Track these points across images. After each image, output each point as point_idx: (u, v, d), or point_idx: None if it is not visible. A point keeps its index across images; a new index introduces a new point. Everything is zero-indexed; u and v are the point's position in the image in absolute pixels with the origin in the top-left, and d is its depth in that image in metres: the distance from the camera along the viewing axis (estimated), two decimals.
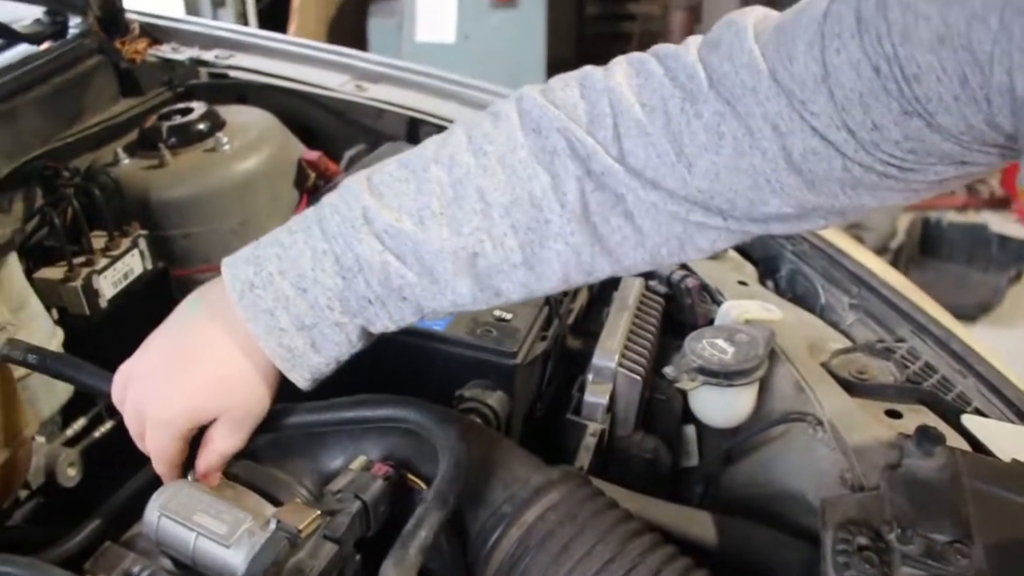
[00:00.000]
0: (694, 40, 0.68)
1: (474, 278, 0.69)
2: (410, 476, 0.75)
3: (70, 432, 1.12)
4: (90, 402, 1.15)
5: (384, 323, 0.71)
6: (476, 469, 0.75)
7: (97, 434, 1.16)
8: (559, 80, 0.71)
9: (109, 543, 0.71)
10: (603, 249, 0.69)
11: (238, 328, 0.70)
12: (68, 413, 1.12)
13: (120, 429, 1.11)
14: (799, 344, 1.03)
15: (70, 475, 1.04)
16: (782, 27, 0.63)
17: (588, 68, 0.71)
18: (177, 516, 0.67)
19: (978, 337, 1.13)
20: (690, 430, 1.19)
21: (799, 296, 1.20)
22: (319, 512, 0.66)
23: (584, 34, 4.70)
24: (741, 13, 0.67)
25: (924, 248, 3.59)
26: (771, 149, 0.63)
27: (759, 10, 0.67)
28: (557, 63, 3.88)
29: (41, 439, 1.04)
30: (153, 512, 0.68)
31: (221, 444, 0.72)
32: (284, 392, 0.75)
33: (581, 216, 0.67)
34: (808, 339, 1.05)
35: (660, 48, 0.69)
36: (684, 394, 1.08)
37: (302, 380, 0.71)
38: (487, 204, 0.67)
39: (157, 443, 0.73)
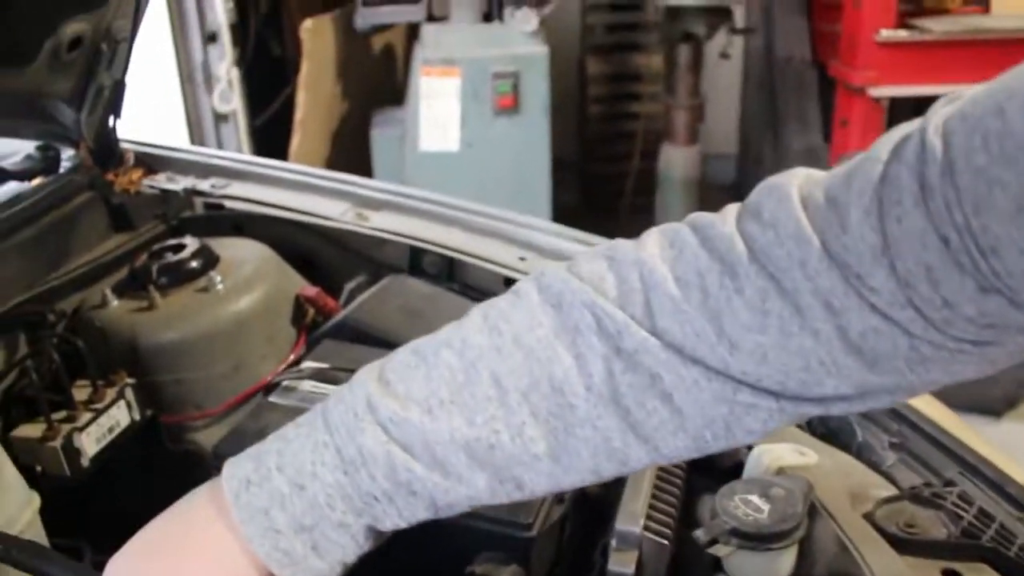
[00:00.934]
0: (732, 208, 0.61)
1: (492, 471, 0.61)
2: None
3: None
4: (77, 557, 1.06)
5: (394, 521, 0.63)
6: None
7: None
8: (585, 254, 0.65)
9: None
10: (637, 436, 0.61)
11: (235, 529, 0.63)
12: None
13: None
14: (839, 493, 0.94)
15: None
16: (832, 192, 0.56)
17: (618, 240, 0.65)
18: None
19: (1006, 434, 1.04)
20: None
21: (832, 432, 1.11)
22: None
23: (587, 135, 4.72)
24: (784, 177, 0.60)
25: None
26: (824, 329, 0.56)
27: (802, 172, 0.60)
28: (561, 165, 3.88)
29: None
30: None
31: None
32: None
33: (610, 399, 0.60)
34: (848, 487, 0.97)
35: (696, 217, 0.63)
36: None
37: None
38: (502, 390, 0.60)
39: None
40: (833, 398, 0.59)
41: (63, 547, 1.01)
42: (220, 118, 3.41)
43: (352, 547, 0.63)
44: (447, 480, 0.61)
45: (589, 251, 0.65)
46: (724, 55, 3.97)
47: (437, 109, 3.29)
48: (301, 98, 3.35)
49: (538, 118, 3.35)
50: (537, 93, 3.32)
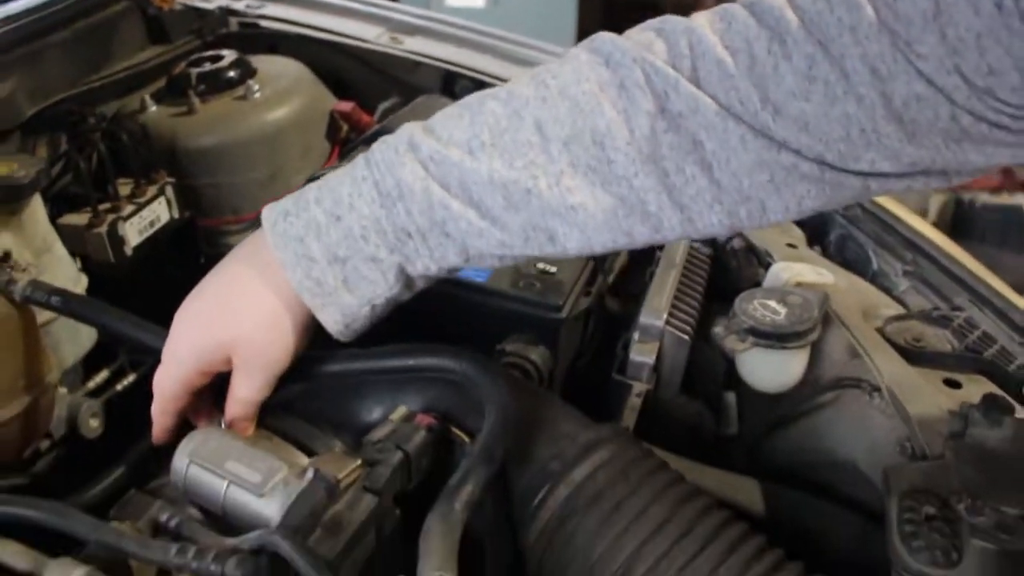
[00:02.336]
0: None
1: (526, 217, 0.63)
2: (454, 429, 0.71)
3: (92, 385, 1.09)
4: (113, 354, 1.12)
5: (424, 262, 0.66)
6: (522, 425, 0.71)
7: (119, 387, 1.12)
8: (635, 28, 0.66)
9: (134, 491, 0.68)
10: (673, 202, 0.63)
11: (270, 264, 0.66)
12: (90, 365, 1.09)
13: (143, 383, 1.09)
14: (852, 308, 0.98)
15: (92, 426, 1.00)
16: None
17: (666, 16, 0.65)
18: (207, 464, 0.63)
19: None
20: (731, 397, 1.14)
21: (849, 261, 1.15)
22: (359, 462, 0.63)
23: (614, 3, 4.61)
24: None
25: (956, 229, 3.51)
26: (869, 95, 0.57)
27: None
28: (586, 33, 3.80)
29: (63, 390, 1.01)
30: (182, 459, 0.64)
31: (240, 391, 0.68)
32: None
33: (649, 157, 0.61)
34: (861, 305, 1.01)
35: None
36: (726, 359, 1.04)
37: (333, 323, 0.67)
38: (544, 137, 0.62)
39: (158, 380, 0.69)
40: (870, 173, 0.61)
41: (99, 342, 1.07)
42: None
43: (382, 285, 0.66)
44: (482, 220, 0.63)
45: (638, 25, 0.67)
46: None
47: None
48: None
49: None
50: None
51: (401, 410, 0.70)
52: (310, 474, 0.60)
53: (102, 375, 1.10)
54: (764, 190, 0.62)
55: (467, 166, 0.62)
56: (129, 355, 1.11)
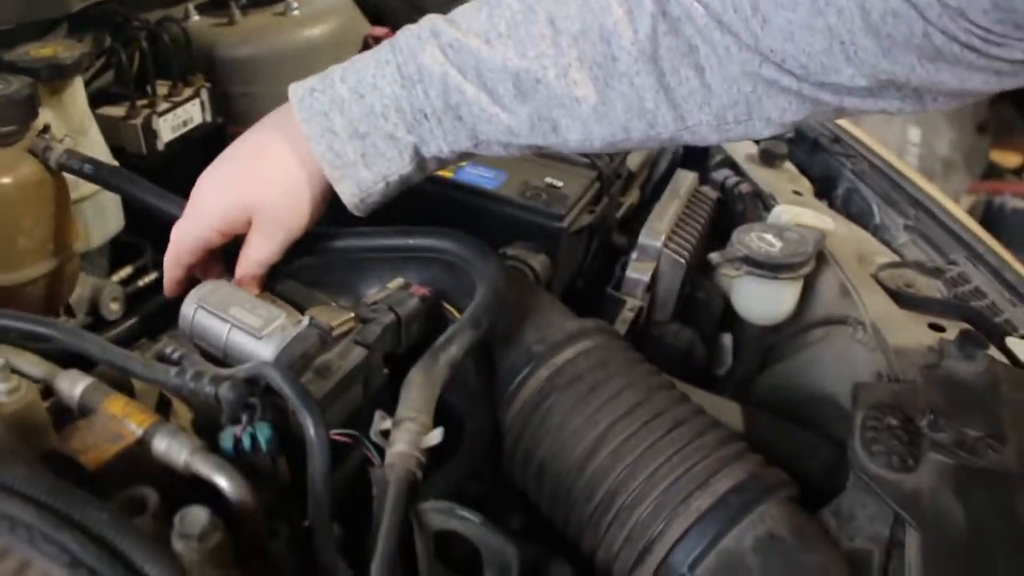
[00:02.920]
0: None
1: (534, 105, 0.68)
2: (446, 305, 0.75)
3: (115, 278, 1.14)
4: (138, 253, 1.17)
5: (438, 144, 0.70)
6: (511, 310, 0.75)
7: (142, 283, 1.17)
8: None
9: (144, 339, 0.73)
10: (668, 100, 0.67)
11: (296, 135, 0.71)
12: (114, 263, 1.14)
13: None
14: (848, 252, 1.01)
15: (113, 309, 1.05)
16: None
17: None
18: (213, 309, 0.68)
19: None
20: (727, 338, 1.18)
21: (853, 215, 1.18)
22: (352, 315, 0.67)
23: None
24: None
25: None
26: (848, 8, 0.61)
27: None
28: None
29: (87, 277, 1.06)
30: (190, 304, 0.69)
31: (255, 251, 0.73)
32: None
33: (650, 57, 0.65)
34: (858, 250, 1.04)
35: None
36: (725, 298, 1.07)
37: (350, 195, 0.72)
38: (556, 31, 0.66)
39: (178, 232, 0.74)
40: (849, 88, 0.64)
41: (126, 242, 1.13)
42: None
43: (396, 163, 0.71)
44: (493, 106, 0.68)
45: None
46: None
47: None
48: None
49: None
50: None
51: (398, 280, 0.74)
52: (305, 321, 0.65)
53: (126, 270, 1.15)
54: (748, 99, 0.66)
55: (483, 54, 0.67)
56: (153, 255, 1.17)
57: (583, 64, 0.67)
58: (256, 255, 0.73)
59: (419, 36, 0.68)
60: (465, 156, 0.73)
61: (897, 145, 3.09)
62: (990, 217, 3.52)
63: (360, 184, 0.71)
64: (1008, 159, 3.83)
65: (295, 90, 0.72)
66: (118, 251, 1.14)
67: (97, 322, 1.06)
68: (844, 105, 0.67)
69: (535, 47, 0.67)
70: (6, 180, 0.85)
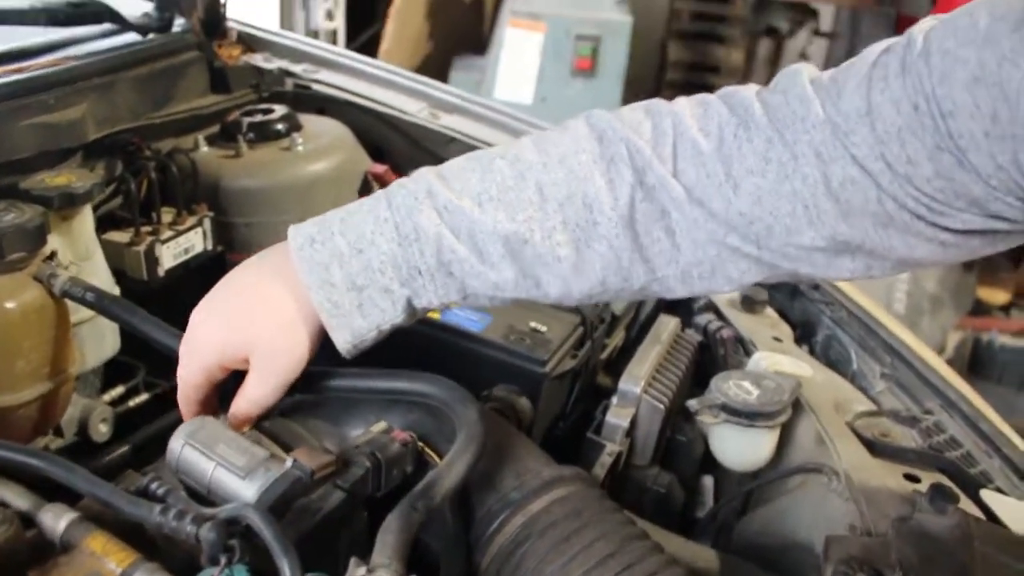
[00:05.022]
0: (754, 85, 0.74)
1: (520, 265, 0.73)
2: (427, 450, 0.77)
3: (107, 397, 1.16)
4: (130, 373, 1.19)
5: (429, 297, 0.74)
6: (490, 455, 0.77)
7: (132, 404, 1.19)
8: (628, 107, 0.76)
9: (130, 471, 0.74)
10: (642, 258, 0.72)
11: (293, 280, 0.74)
12: (107, 382, 1.17)
13: (155, 402, 1.16)
14: (825, 401, 1.04)
15: (101, 431, 1.07)
16: (834, 74, 0.69)
17: (654, 99, 0.76)
18: (200, 446, 0.70)
19: None
20: (708, 481, 1.19)
21: (832, 361, 1.21)
22: (334, 457, 0.69)
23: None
24: (798, 65, 0.73)
25: (974, 368, 3.53)
26: (812, 175, 0.67)
27: (813, 66, 0.73)
28: None
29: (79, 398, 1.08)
30: (178, 440, 0.71)
31: (252, 391, 0.75)
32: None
33: (627, 222, 0.71)
34: (835, 399, 1.06)
35: (721, 89, 0.75)
36: (705, 441, 1.09)
37: (343, 342, 0.75)
38: (543, 198, 0.72)
39: (183, 371, 0.77)
40: (808, 250, 0.70)
41: (122, 362, 1.15)
42: (316, 36, 3.54)
43: (390, 313, 0.74)
44: (482, 265, 0.72)
45: (630, 105, 0.76)
46: (804, 56, 4.01)
47: (517, 61, 3.40)
48: (389, 31, 3.47)
49: (613, 85, 3.44)
50: (615, 60, 3.41)
51: (381, 424, 0.76)
52: (288, 462, 0.67)
53: (117, 390, 1.17)
54: (713, 260, 0.72)
55: (475, 216, 0.72)
56: (145, 377, 1.19)
57: (567, 227, 0.72)
58: (254, 395, 0.76)
59: (415, 196, 0.73)
60: (453, 306, 0.77)
61: (886, 283, 3.15)
62: (979, 353, 3.56)
63: (355, 332, 0.74)
64: (995, 296, 3.90)
65: (294, 236, 0.76)
66: (111, 369, 1.16)
67: (85, 443, 1.08)
68: (799, 270, 0.73)
69: (524, 211, 0.72)
70: (10, 305, 0.89)
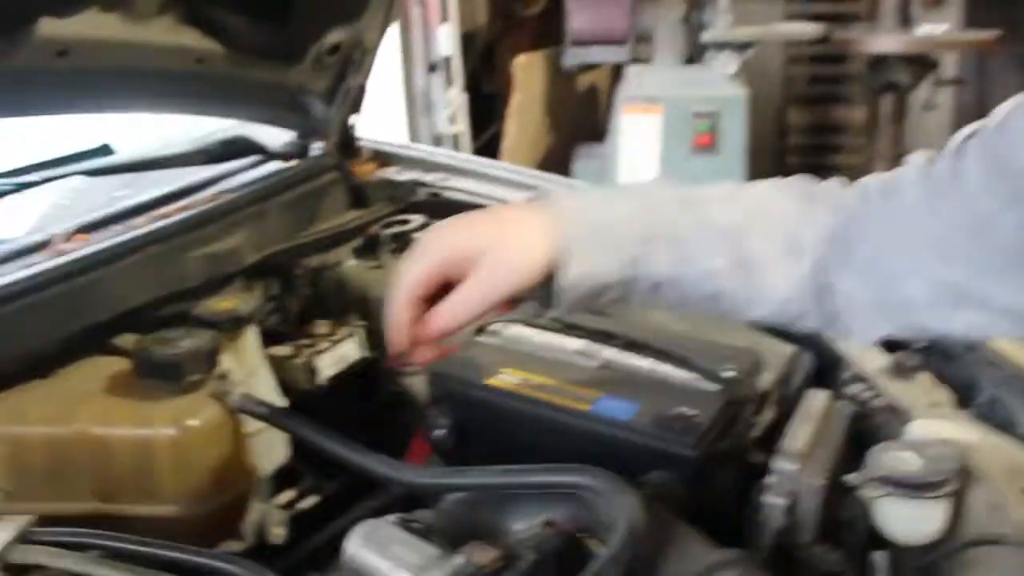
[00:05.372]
0: None
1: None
2: (587, 540, 0.78)
3: (278, 503, 1.23)
4: (298, 477, 1.26)
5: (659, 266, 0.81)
6: (649, 542, 0.77)
7: (304, 505, 1.25)
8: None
9: (311, 573, 0.79)
10: None
11: (544, 214, 0.79)
12: (278, 485, 1.23)
13: (325, 503, 1.22)
14: (997, 467, 0.99)
15: (277, 534, 1.13)
16: None
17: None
18: (376, 547, 0.74)
19: None
20: (879, 557, 1.14)
21: (999, 425, 1.15)
22: (501, 553, 0.71)
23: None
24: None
25: None
26: None
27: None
28: None
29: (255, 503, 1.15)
30: (355, 542, 0.75)
31: (465, 293, 0.79)
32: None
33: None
34: (1008, 462, 1.01)
35: None
36: (870, 517, 1.05)
37: (573, 275, 0.78)
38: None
39: (409, 264, 0.81)
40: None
41: (283, 468, 1.22)
42: (440, 140, 3.69)
43: (615, 264, 0.79)
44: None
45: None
46: (929, 106, 3.91)
47: (637, 145, 3.45)
48: (510, 129, 3.59)
49: (735, 159, 3.44)
50: (735, 134, 3.41)
51: (541, 517, 0.78)
52: (460, 559, 0.69)
53: (288, 494, 1.24)
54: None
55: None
56: (313, 480, 1.26)
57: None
58: (464, 298, 0.79)
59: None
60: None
61: None
62: None
63: (582, 270, 0.78)
64: None
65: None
66: (280, 475, 1.23)
67: (261, 546, 1.14)
68: None
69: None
70: (194, 423, 0.96)
